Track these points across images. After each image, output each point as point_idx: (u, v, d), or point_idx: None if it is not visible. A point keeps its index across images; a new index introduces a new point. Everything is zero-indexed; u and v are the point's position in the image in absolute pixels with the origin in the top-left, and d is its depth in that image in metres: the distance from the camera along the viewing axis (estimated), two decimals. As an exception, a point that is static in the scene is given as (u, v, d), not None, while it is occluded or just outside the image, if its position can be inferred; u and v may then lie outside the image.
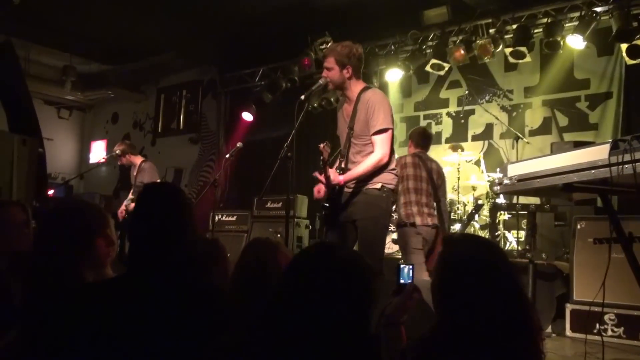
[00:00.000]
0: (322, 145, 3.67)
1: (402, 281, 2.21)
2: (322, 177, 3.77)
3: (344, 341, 1.42)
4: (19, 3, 7.73)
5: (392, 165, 3.93)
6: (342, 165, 3.91)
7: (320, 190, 3.96)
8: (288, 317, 1.44)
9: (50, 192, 10.47)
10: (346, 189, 3.87)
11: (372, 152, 3.80)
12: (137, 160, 7.06)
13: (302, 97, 3.73)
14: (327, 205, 3.87)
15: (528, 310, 1.66)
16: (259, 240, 2.44)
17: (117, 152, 7.08)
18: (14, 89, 7.27)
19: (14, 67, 7.33)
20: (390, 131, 3.84)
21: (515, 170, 2.74)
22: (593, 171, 2.30)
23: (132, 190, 7.07)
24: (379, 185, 3.81)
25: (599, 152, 2.29)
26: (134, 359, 1.69)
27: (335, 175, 3.75)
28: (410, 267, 2.28)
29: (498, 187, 2.80)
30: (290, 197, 4.07)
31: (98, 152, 12.72)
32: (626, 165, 2.16)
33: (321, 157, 3.68)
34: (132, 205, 6.65)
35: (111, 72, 11.68)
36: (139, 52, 10.45)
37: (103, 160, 7.99)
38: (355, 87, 3.93)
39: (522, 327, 1.60)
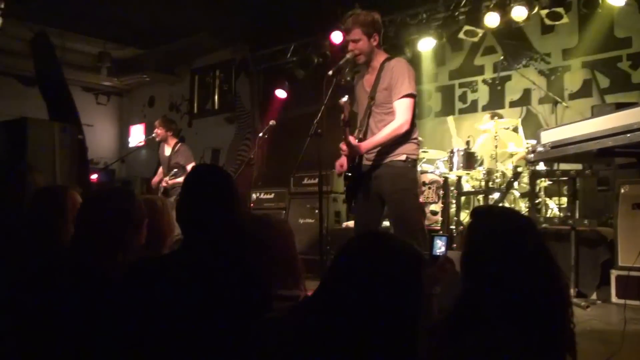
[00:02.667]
0: (342, 101, 3.53)
1: (435, 253, 2.20)
2: (344, 146, 3.67)
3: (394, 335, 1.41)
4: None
5: (415, 135, 3.82)
6: (361, 136, 3.82)
7: (342, 164, 3.87)
8: (337, 306, 1.43)
9: (94, 177, 10.74)
10: (366, 161, 3.78)
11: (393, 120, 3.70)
12: (172, 141, 7.13)
13: (330, 72, 3.69)
14: (350, 175, 3.79)
15: (556, 281, 1.62)
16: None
17: (161, 124, 7.12)
18: (51, 78, 7.42)
19: (50, 56, 7.48)
20: (413, 98, 3.72)
21: (549, 137, 2.68)
22: (629, 135, 2.22)
23: (162, 170, 7.13)
24: (403, 157, 3.72)
25: (634, 115, 2.20)
26: (185, 333, 1.73)
27: (354, 142, 3.65)
28: (445, 238, 2.26)
29: (532, 155, 2.72)
30: (322, 173, 4.07)
31: (137, 135, 12.93)
32: (663, 127, 2.08)
33: (341, 116, 3.55)
34: (172, 180, 6.74)
35: (145, 56, 11.81)
36: (171, 35, 10.51)
37: (142, 143, 8.10)
38: (380, 56, 3.86)
39: (550, 299, 1.57)
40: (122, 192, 2.47)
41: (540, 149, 2.64)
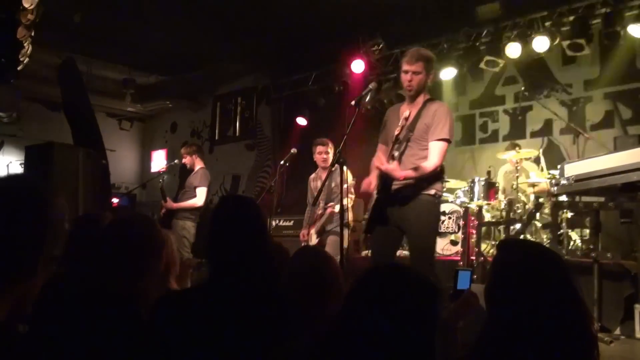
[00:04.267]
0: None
1: (459, 287, 2.19)
2: (382, 163, 3.74)
3: None
4: (80, 21, 8.04)
5: (444, 174, 3.96)
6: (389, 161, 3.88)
7: (371, 183, 3.91)
8: (354, 337, 1.44)
9: (115, 201, 10.84)
10: (395, 189, 3.84)
11: (425, 157, 3.79)
12: (198, 164, 7.00)
13: (353, 102, 3.73)
14: (377, 196, 3.84)
15: (581, 316, 1.60)
16: (309, 248, 2.46)
17: (184, 151, 7.06)
18: (77, 104, 7.58)
19: (76, 83, 7.66)
20: (448, 143, 3.85)
21: (573, 170, 2.67)
22: (654, 169, 2.20)
23: (178, 192, 7.06)
24: (432, 192, 3.82)
25: (659, 150, 2.19)
26: None
27: (397, 166, 3.74)
28: (469, 272, 2.25)
29: (555, 188, 2.71)
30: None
31: (159, 161, 13.07)
32: (689, 163, 2.06)
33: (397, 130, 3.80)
34: (172, 203, 6.67)
35: (168, 83, 12.00)
36: (194, 62, 10.70)
37: (164, 169, 8.17)
38: (425, 94, 3.97)
39: (576, 335, 1.55)
40: (143, 218, 2.48)
41: (564, 182, 2.63)
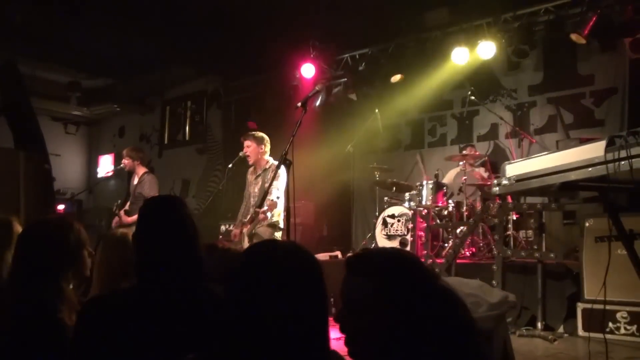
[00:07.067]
0: None
1: None
2: None
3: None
4: (22, 22, 7.79)
5: None
6: None
7: None
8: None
9: (61, 207, 10.51)
10: None
11: None
12: (141, 170, 6.86)
13: (299, 104, 3.73)
14: None
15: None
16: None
17: (125, 153, 6.86)
18: (17, 107, 7.32)
19: (17, 85, 7.39)
20: None
21: (513, 170, 2.70)
22: (590, 169, 2.26)
23: (129, 201, 6.87)
24: None
25: (595, 149, 2.25)
26: None
27: None
28: None
29: (497, 188, 2.75)
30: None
31: (106, 166, 12.78)
32: (622, 162, 2.11)
33: None
34: (126, 218, 6.45)
35: (116, 86, 11.77)
36: (143, 65, 10.50)
37: (110, 173, 7.95)
38: None
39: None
40: (58, 220, 2.41)
41: (505, 182, 2.67)
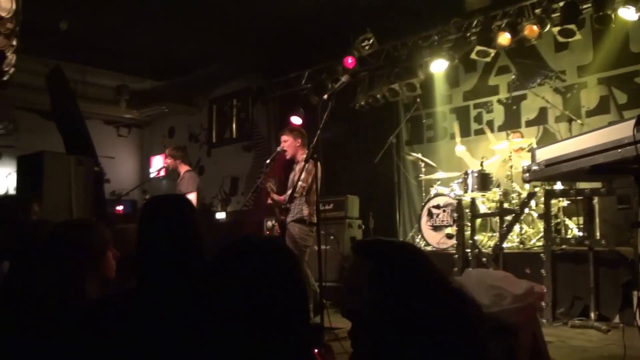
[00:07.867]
0: None
1: None
2: None
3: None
4: (67, 28, 8.02)
5: None
6: None
7: None
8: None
9: (119, 208, 10.78)
10: None
11: None
12: (183, 169, 6.92)
13: (325, 96, 3.67)
14: None
15: None
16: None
17: (167, 153, 6.96)
18: (66, 112, 7.55)
19: (64, 91, 7.62)
20: None
21: (543, 155, 2.57)
22: (620, 150, 2.11)
23: None
24: None
25: (624, 129, 2.10)
26: None
27: None
28: None
29: (527, 174, 2.62)
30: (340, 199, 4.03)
31: (158, 166, 13.03)
32: (653, 141, 1.96)
33: None
34: None
35: (163, 88, 11.98)
36: (188, 66, 10.66)
37: (156, 174, 8.08)
38: None
39: None
40: (80, 224, 2.43)
41: (535, 167, 2.53)
